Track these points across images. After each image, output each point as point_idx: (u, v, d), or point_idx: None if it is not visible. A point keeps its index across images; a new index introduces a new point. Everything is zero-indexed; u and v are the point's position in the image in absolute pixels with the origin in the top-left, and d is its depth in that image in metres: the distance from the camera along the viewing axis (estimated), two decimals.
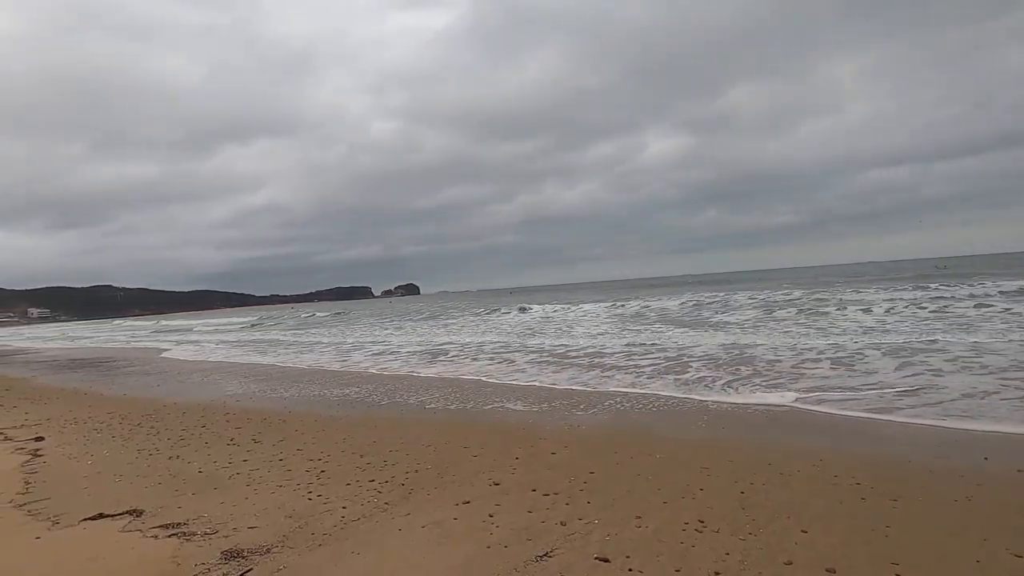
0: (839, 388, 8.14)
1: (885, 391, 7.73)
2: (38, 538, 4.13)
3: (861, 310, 18.28)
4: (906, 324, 14.65)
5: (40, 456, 6.72)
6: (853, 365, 9.82)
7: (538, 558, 3.44)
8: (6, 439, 7.83)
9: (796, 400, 7.60)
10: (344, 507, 4.49)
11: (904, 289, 23.90)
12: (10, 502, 5.00)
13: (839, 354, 10.99)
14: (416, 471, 5.40)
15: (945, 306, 17.10)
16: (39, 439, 7.70)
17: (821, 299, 22.65)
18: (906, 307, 17.73)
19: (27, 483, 5.58)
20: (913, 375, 8.64)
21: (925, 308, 17.30)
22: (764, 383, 8.86)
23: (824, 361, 10.40)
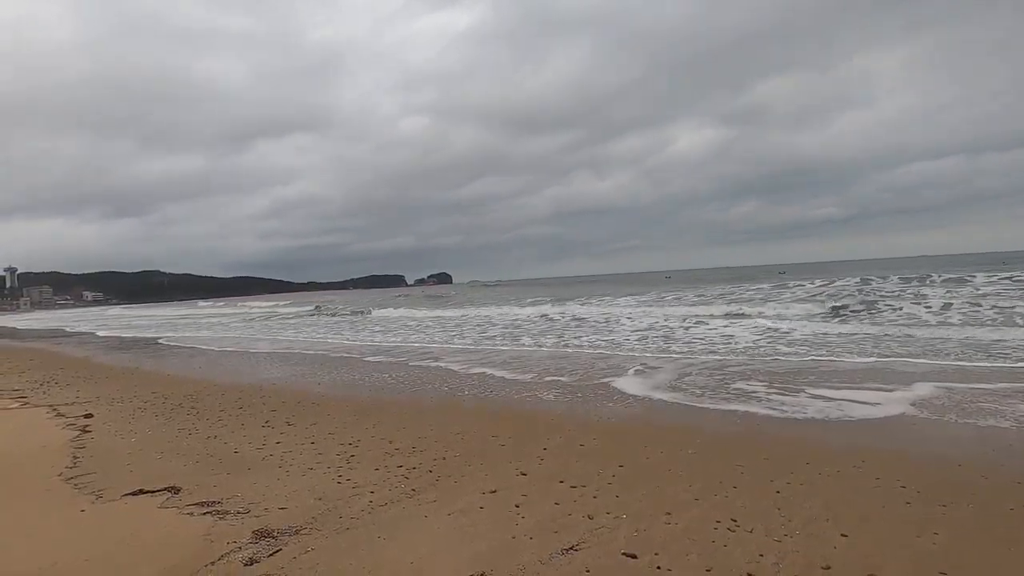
0: (886, 386, 7.79)
1: (930, 392, 7.36)
2: (82, 511, 4.31)
3: (915, 303, 17.39)
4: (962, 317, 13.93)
5: (88, 432, 7.03)
6: (899, 362, 9.39)
7: (564, 551, 3.39)
8: (59, 415, 8.23)
9: (841, 398, 7.31)
10: (372, 492, 4.53)
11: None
12: (59, 475, 5.24)
13: (885, 349, 10.54)
14: (444, 458, 5.41)
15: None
16: (88, 416, 8.07)
17: (869, 294, 21.76)
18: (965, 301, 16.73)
19: (75, 458, 5.84)
20: (967, 374, 8.21)
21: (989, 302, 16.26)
22: (806, 380, 8.57)
23: (870, 357, 9.99)
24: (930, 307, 16.21)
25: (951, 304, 16.26)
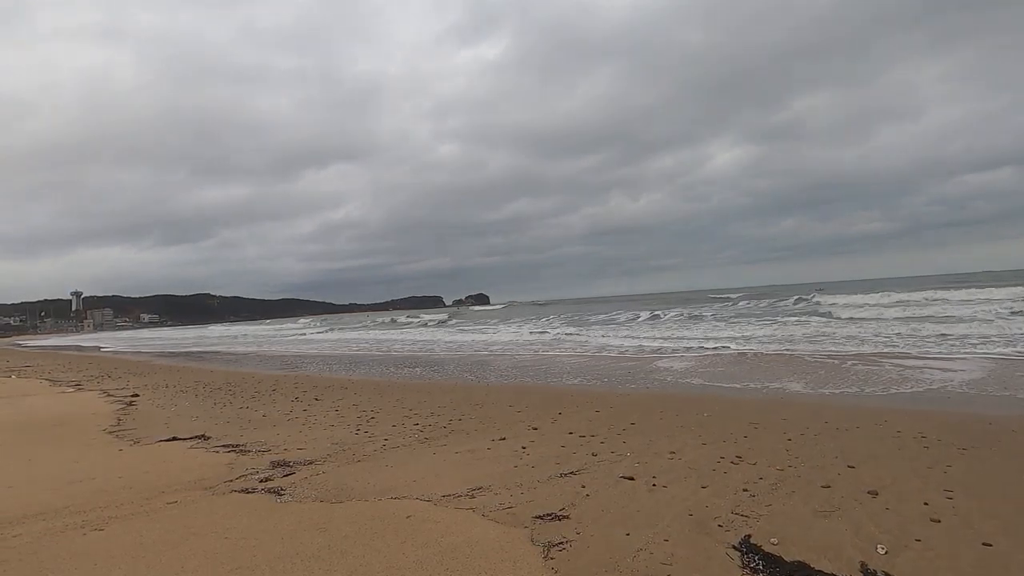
0: (927, 364, 7.50)
1: (970, 368, 7.04)
2: (120, 450, 4.63)
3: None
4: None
5: (133, 406, 7.47)
6: (946, 352, 9.00)
7: (563, 475, 3.45)
8: (109, 395, 8.77)
9: (876, 375, 7.08)
10: (386, 439, 4.69)
11: None
12: (102, 430, 5.62)
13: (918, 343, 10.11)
14: (460, 419, 5.53)
15: None
16: (135, 396, 8.56)
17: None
18: None
19: (119, 420, 6.23)
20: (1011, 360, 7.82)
21: None
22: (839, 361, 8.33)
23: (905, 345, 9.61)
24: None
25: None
